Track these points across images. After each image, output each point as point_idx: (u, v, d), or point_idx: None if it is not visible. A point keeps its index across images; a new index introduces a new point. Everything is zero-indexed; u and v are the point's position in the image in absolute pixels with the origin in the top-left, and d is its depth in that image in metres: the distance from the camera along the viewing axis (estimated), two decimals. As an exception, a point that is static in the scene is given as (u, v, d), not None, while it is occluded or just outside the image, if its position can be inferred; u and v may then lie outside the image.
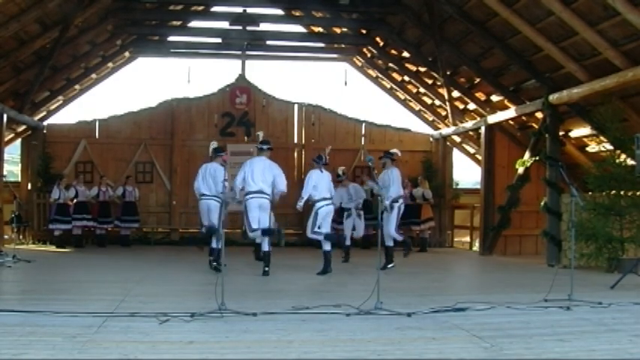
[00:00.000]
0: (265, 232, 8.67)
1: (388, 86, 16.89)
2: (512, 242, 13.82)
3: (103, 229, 13.54)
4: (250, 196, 8.58)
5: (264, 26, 14.63)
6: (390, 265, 9.45)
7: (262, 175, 8.60)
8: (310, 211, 9.06)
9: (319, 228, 8.79)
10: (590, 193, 10.00)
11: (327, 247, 8.82)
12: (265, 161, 8.78)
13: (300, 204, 8.99)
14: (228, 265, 9.29)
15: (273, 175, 8.73)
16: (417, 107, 16.59)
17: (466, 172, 21.44)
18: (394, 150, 10.17)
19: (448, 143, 15.86)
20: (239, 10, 14.10)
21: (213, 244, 9.07)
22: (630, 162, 9.36)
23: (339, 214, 11.26)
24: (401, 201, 9.67)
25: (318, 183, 8.84)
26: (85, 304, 5.87)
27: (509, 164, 13.08)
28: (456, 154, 16.28)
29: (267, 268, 8.57)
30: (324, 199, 8.87)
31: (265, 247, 8.74)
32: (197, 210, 10.03)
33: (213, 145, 9.60)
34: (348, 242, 11.00)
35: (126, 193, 13.56)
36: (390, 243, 9.57)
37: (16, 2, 10.19)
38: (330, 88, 53.66)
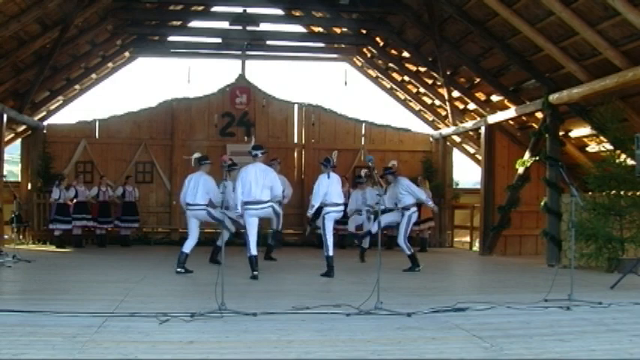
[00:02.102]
0: (274, 237, 8.80)
1: (388, 86, 16.89)
2: (512, 242, 13.82)
3: (102, 229, 13.55)
4: (248, 207, 8.38)
5: (264, 26, 14.63)
6: (417, 269, 9.43)
7: (257, 183, 8.33)
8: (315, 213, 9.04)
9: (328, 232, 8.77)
10: (590, 193, 10.01)
11: (329, 252, 8.77)
12: (260, 167, 8.49)
13: (311, 212, 8.87)
14: (228, 265, 9.32)
15: (269, 180, 8.48)
16: (417, 107, 16.59)
17: (466, 172, 21.47)
18: (391, 163, 10.16)
19: (448, 143, 15.87)
20: (239, 10, 14.10)
21: (219, 242, 9.08)
22: (630, 162, 9.37)
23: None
24: (413, 209, 9.54)
25: (328, 188, 8.77)
26: (85, 304, 5.87)
27: (509, 164, 13.08)
28: (456, 154, 16.29)
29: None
30: (335, 204, 8.82)
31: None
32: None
33: (196, 155, 9.45)
34: (352, 229, 11.20)
35: (126, 193, 13.56)
36: (408, 252, 9.49)
37: (16, 2, 10.19)
38: (330, 88, 53.72)
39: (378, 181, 9.13)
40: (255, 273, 8.31)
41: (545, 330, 5.02)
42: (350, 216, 11.47)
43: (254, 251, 8.44)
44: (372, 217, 11.08)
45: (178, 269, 8.89)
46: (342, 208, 9.01)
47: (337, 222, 9.44)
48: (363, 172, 11.13)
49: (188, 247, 9.09)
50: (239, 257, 10.33)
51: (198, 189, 9.02)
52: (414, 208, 9.62)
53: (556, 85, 10.82)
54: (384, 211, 9.23)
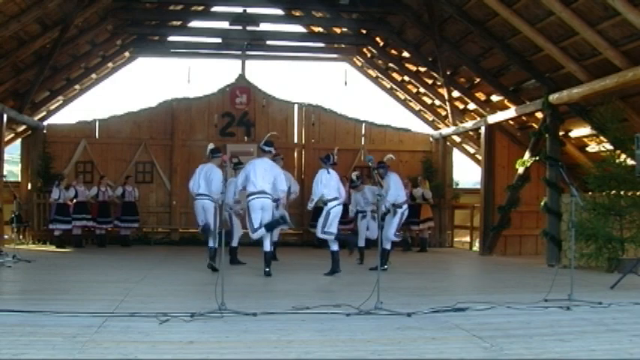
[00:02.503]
0: (269, 226, 8.62)
1: (388, 86, 16.89)
2: (512, 242, 13.82)
3: (102, 229, 13.54)
4: (252, 197, 8.57)
5: (264, 26, 14.64)
6: (382, 267, 9.42)
7: (263, 176, 8.59)
8: (321, 211, 9.04)
9: (329, 228, 8.77)
10: (590, 193, 10.01)
11: (334, 247, 8.79)
12: (267, 162, 8.79)
13: (311, 205, 8.98)
14: (229, 265, 9.32)
15: (274, 175, 8.73)
16: (417, 107, 16.59)
17: (466, 172, 21.47)
18: (387, 157, 10.14)
19: (448, 143, 15.87)
20: (239, 10, 14.10)
21: (210, 244, 9.12)
22: (630, 162, 9.37)
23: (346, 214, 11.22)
24: (405, 207, 9.64)
25: (327, 183, 8.82)
26: (85, 304, 5.86)
27: (509, 164, 13.08)
28: (456, 154, 16.29)
29: (267, 269, 8.56)
30: (335, 199, 8.85)
31: (267, 247, 8.70)
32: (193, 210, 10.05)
33: (210, 146, 9.63)
34: (362, 243, 10.77)
35: (125, 193, 13.55)
36: (388, 246, 9.57)
37: (16, 2, 10.19)
38: (330, 88, 53.75)
39: (378, 181, 9.11)
40: (275, 255, 8.63)
41: (545, 330, 5.02)
42: (352, 216, 11.40)
43: (255, 231, 8.55)
44: (376, 215, 11.04)
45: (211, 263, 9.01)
46: (342, 201, 9.04)
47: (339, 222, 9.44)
48: (354, 175, 11.08)
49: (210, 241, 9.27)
50: (239, 257, 10.33)
51: (208, 180, 9.19)
52: (405, 205, 9.68)
53: (556, 85, 10.82)
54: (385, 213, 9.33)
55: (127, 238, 13.79)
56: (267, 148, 8.90)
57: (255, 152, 13.83)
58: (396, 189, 9.52)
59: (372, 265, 9.23)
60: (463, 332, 4.93)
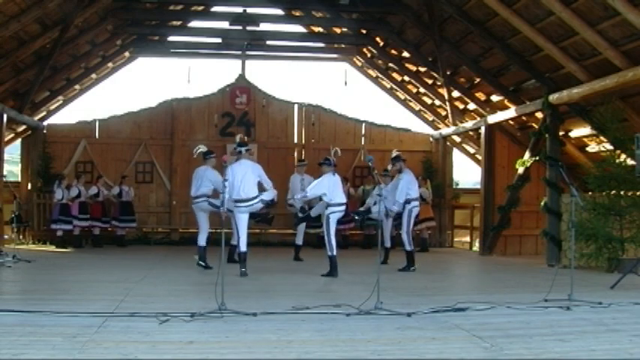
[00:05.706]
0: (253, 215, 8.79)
1: (388, 86, 16.89)
2: (512, 242, 13.82)
3: (103, 228, 13.53)
4: (237, 204, 8.52)
5: (264, 26, 14.63)
6: (411, 268, 9.40)
7: (244, 180, 8.49)
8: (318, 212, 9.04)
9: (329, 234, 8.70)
10: (590, 193, 10.01)
11: (333, 252, 8.72)
12: (246, 164, 8.67)
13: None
14: (229, 265, 9.31)
15: (256, 175, 8.66)
16: (417, 107, 16.59)
17: (466, 172, 21.47)
18: (397, 152, 10.09)
19: (448, 143, 15.86)
20: (239, 10, 14.10)
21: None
22: (630, 162, 9.37)
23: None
24: (413, 204, 9.49)
25: (333, 187, 8.76)
26: (85, 304, 5.87)
27: (509, 164, 13.08)
28: (456, 154, 16.29)
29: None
30: (339, 204, 8.81)
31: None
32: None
33: (203, 149, 9.53)
34: (388, 244, 10.57)
35: (122, 192, 13.53)
36: (408, 247, 9.50)
37: (16, 2, 10.19)
38: (330, 88, 53.74)
39: (377, 181, 9.10)
40: (243, 270, 8.38)
41: (545, 330, 5.02)
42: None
43: (244, 247, 8.54)
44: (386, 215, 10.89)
45: (200, 262, 9.16)
46: (344, 208, 9.03)
47: (339, 222, 9.40)
48: (389, 166, 10.92)
49: (202, 240, 9.34)
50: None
51: (201, 182, 9.25)
52: (415, 202, 9.59)
53: (556, 85, 10.82)
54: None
55: (123, 238, 13.75)
56: (239, 149, 8.78)
57: (255, 152, 13.86)
58: (407, 188, 9.46)
59: (401, 266, 9.40)
60: (463, 332, 4.93)
